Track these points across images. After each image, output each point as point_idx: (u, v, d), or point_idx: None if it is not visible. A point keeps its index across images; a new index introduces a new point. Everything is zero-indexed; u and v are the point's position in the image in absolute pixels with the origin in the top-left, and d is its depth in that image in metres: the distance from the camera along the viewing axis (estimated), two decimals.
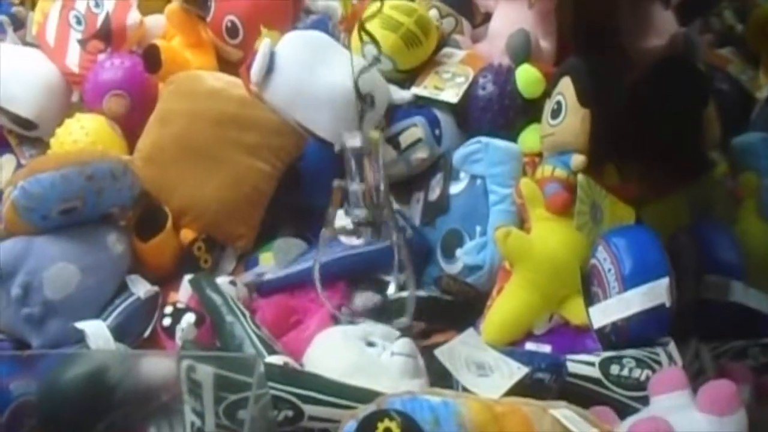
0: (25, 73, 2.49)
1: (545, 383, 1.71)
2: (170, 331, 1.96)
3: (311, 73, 2.10)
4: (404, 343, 1.81)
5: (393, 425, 1.45)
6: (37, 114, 2.47)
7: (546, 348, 1.84)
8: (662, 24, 2.35)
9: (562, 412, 1.57)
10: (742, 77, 2.48)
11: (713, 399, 1.52)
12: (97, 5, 2.53)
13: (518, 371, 1.71)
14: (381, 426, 1.45)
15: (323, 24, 2.43)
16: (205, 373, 1.54)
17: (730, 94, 2.38)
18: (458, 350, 1.77)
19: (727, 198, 2.14)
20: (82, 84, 2.48)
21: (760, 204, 2.12)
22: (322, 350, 1.85)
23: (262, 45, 2.11)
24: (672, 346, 1.75)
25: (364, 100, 2.05)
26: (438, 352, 1.75)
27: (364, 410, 1.52)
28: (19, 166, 2.51)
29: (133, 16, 2.51)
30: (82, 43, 2.51)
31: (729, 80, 2.43)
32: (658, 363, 1.73)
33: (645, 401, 1.67)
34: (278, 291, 2.10)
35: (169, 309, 1.99)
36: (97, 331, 1.97)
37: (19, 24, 2.77)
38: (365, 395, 1.62)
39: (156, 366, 1.71)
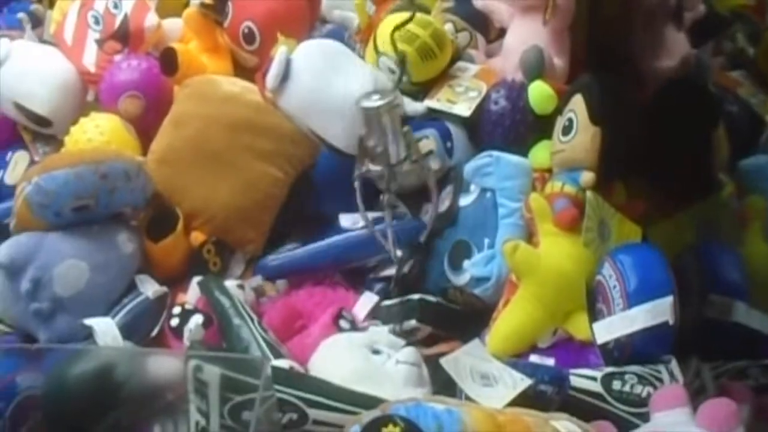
0: (42, 70, 2.51)
1: (548, 395, 1.72)
2: (178, 332, 1.98)
3: (326, 82, 2.11)
4: (409, 352, 1.83)
5: (397, 430, 1.46)
6: (53, 112, 2.49)
7: (550, 361, 1.86)
8: (674, 45, 2.36)
9: (564, 424, 1.59)
10: (753, 100, 2.48)
11: (713, 417, 1.54)
12: (115, 6, 2.55)
13: (521, 382, 1.72)
14: (385, 430, 1.47)
15: (339, 34, 2.46)
16: (212, 373, 1.55)
17: (739, 116, 2.39)
18: (463, 360, 1.79)
19: (733, 219, 2.14)
20: (98, 83, 2.49)
21: (765, 227, 2.13)
22: (327, 357, 1.87)
23: (278, 52, 2.12)
24: (674, 364, 1.77)
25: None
26: (443, 362, 1.77)
27: (368, 415, 1.53)
28: (32, 162, 2.53)
29: (151, 19, 2.53)
30: (100, 43, 2.53)
31: (739, 103, 2.44)
32: (660, 380, 1.74)
33: (646, 417, 1.68)
34: (285, 275, 2.16)
35: (177, 309, 2.01)
36: (105, 329, 1.99)
37: (37, 21, 2.79)
38: (370, 401, 1.63)
39: (163, 365, 1.73)
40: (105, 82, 2.45)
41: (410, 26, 2.22)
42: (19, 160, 2.56)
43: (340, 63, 2.16)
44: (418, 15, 2.25)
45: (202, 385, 1.55)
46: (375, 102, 2.05)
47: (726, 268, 1.98)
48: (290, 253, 2.18)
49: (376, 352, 1.86)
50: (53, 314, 2.02)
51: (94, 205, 2.06)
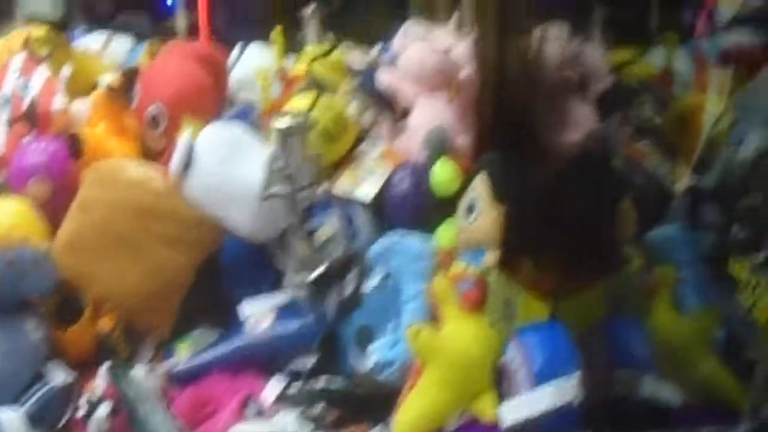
0: None
1: None
2: (85, 422, 1.97)
3: (229, 168, 2.13)
4: None
5: None
6: None
7: None
8: (580, 118, 2.39)
9: None
10: (660, 170, 2.52)
11: None
12: (24, 87, 2.53)
13: None
14: None
15: (246, 114, 2.45)
16: None
17: (646, 188, 2.42)
18: None
19: (641, 291, 2.17)
20: (6, 166, 2.46)
21: (674, 296, 2.16)
22: None
23: (181, 138, 2.13)
24: None
25: None
26: None
27: None
28: None
29: (59, 101, 2.51)
30: (8, 124, 2.51)
31: (645, 174, 2.47)
32: None
33: None
34: (191, 380, 2.11)
35: (84, 399, 2.00)
36: (10, 420, 1.97)
37: None
38: None
39: None
40: (13, 165, 2.43)
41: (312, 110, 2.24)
42: None
43: (243, 149, 2.18)
44: (321, 99, 2.27)
45: None
46: (286, 123, 2.07)
47: (633, 343, 2.02)
48: (199, 357, 2.15)
49: None
50: None
51: (0, 292, 2.05)
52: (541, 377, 1.80)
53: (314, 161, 2.12)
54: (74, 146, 2.35)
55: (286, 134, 2.06)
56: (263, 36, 2.80)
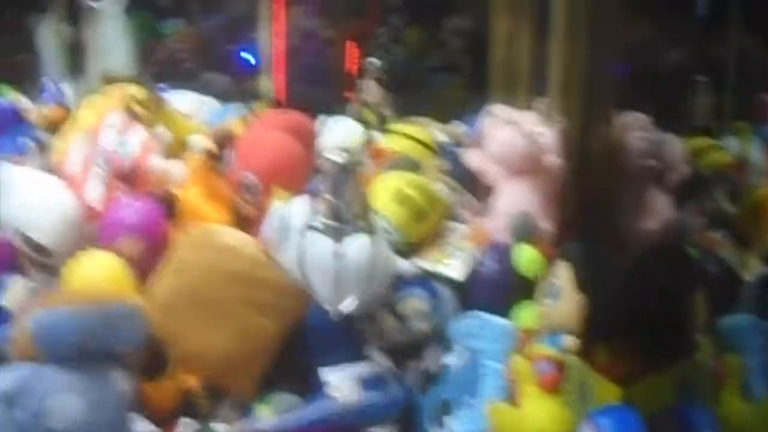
0: (46, 200, 2.56)
1: None
2: None
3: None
4: None
5: None
6: (55, 243, 2.53)
7: None
8: (658, 206, 2.44)
9: None
10: (732, 259, 2.55)
11: None
12: (121, 144, 2.62)
13: None
14: None
15: None
16: None
17: (718, 277, 2.45)
18: None
19: (711, 379, 2.19)
20: (98, 220, 2.54)
21: (743, 385, 2.18)
22: None
23: (276, 207, 2.18)
24: None
25: None
26: None
27: None
28: (28, 289, 2.56)
29: (156, 162, 2.60)
30: (104, 180, 2.59)
31: (718, 263, 2.51)
32: None
33: None
34: None
35: None
36: None
37: (42, 148, 2.85)
38: None
39: None
40: (106, 220, 2.50)
41: (404, 186, 2.31)
42: (16, 285, 2.59)
43: None
44: (413, 176, 2.34)
45: None
46: (340, 158, 2.10)
47: (702, 430, 2.04)
48: (283, 420, 2.19)
49: None
50: None
51: (92, 343, 2.08)
52: None
53: (362, 199, 2.15)
54: (171, 208, 2.44)
55: (340, 169, 2.09)
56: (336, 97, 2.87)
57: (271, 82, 3.81)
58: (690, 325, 2.18)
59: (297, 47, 3.97)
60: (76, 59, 3.96)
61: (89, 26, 3.92)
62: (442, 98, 3.91)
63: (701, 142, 2.90)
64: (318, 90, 3.80)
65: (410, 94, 3.61)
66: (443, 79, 4.03)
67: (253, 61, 4.19)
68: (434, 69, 4.08)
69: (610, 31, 2.41)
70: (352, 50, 3.88)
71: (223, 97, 3.31)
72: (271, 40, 3.87)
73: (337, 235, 2.11)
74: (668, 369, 2.16)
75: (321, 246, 2.12)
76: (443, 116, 2.99)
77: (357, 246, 2.13)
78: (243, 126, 2.84)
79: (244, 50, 4.29)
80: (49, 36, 4.14)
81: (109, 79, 3.16)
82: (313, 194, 2.15)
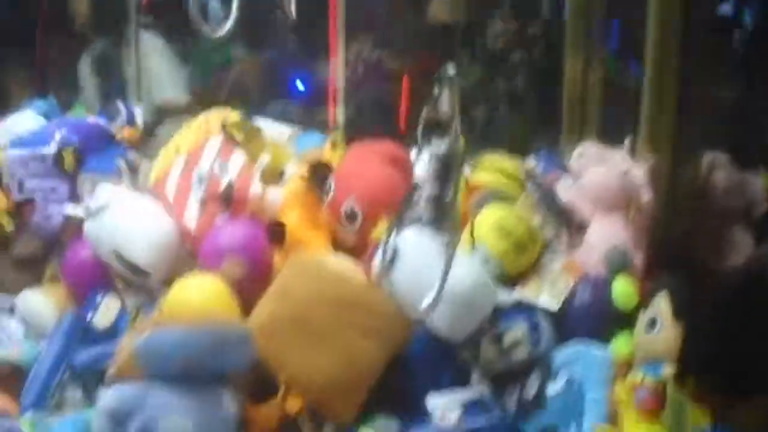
0: (144, 223, 2.64)
1: None
2: None
3: (432, 270, 2.15)
4: None
5: None
6: (152, 265, 2.61)
7: None
8: (742, 243, 2.50)
9: None
10: None
11: None
12: (221, 169, 2.69)
13: None
14: None
15: None
16: None
17: None
18: None
19: None
20: (196, 242, 2.61)
21: None
22: None
23: (385, 235, 2.24)
24: None
25: None
26: None
27: None
28: (123, 309, 2.65)
29: (256, 187, 2.66)
30: (203, 203, 2.66)
31: None
32: None
33: None
34: None
35: None
36: None
37: (133, 168, 2.92)
38: None
39: None
40: (208, 243, 2.57)
41: (505, 220, 2.39)
42: (109, 304, 2.67)
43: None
44: (512, 209, 2.42)
45: None
46: (443, 149, 2.10)
47: None
48: None
49: None
50: None
51: (201, 364, 2.15)
52: None
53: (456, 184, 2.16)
54: (277, 234, 2.51)
55: (442, 160, 2.10)
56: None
57: (333, 111, 3.88)
58: None
59: (359, 78, 4.07)
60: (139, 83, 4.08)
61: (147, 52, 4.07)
62: (504, 133, 3.99)
63: None
64: (377, 121, 3.87)
65: (472, 128, 3.68)
66: (505, 115, 4.09)
67: (302, 88, 4.28)
68: (497, 104, 4.14)
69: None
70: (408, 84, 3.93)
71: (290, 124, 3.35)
72: (333, 70, 3.94)
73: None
74: (758, 402, 2.23)
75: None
76: (507, 151, 3.04)
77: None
78: (332, 154, 2.90)
79: (299, 78, 4.36)
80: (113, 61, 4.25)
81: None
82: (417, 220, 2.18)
